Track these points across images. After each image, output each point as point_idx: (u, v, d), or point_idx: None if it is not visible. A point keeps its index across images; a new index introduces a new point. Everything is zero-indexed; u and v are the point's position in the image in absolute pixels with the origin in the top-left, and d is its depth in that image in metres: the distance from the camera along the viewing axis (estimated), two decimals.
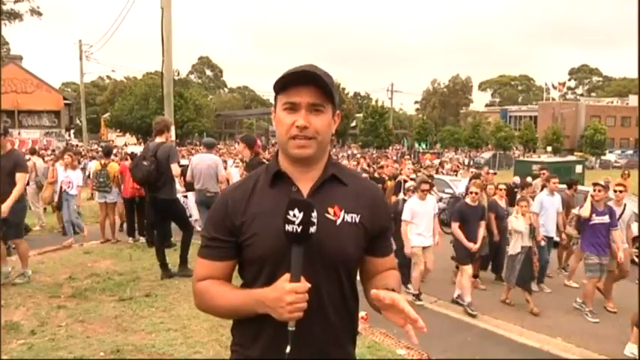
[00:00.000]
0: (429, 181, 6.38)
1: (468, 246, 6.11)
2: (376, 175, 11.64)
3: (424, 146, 47.51)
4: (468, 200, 6.41)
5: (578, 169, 20.43)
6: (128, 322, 4.65)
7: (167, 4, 9.27)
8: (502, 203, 7.36)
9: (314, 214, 1.25)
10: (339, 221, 1.36)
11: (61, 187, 8.62)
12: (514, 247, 6.23)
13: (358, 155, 30.94)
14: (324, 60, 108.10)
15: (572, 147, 48.62)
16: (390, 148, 45.29)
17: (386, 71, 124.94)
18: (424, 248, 6.33)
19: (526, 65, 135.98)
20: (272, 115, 1.46)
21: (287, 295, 1.23)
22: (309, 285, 1.25)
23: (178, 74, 53.43)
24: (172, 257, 6.42)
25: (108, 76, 67.23)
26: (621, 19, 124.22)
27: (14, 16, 37.10)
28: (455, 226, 6.25)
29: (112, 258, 7.27)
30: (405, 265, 6.55)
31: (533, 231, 6.29)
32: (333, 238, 1.34)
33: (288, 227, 1.24)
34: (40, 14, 37.95)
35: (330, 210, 1.36)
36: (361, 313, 5.32)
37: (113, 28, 33.34)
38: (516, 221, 6.21)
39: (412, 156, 35.24)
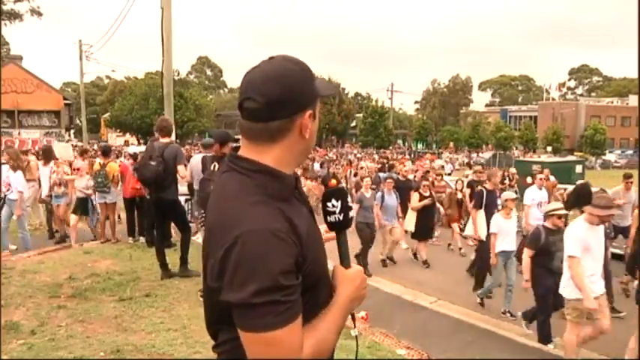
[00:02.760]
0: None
1: None
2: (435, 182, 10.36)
3: (421, 146, 47.58)
4: None
5: (578, 169, 20.44)
6: (128, 322, 4.65)
7: (167, 4, 9.26)
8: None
9: (349, 198, 1.31)
10: None
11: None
12: None
13: (357, 155, 30.60)
14: (324, 60, 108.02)
15: (572, 147, 48.66)
16: (390, 148, 45.33)
17: (386, 71, 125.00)
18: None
19: (526, 65, 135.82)
20: (308, 118, 1.19)
21: (363, 273, 1.27)
22: None
23: (178, 74, 53.41)
24: (172, 257, 6.42)
25: (108, 76, 67.32)
26: (621, 19, 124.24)
27: (14, 16, 37.05)
28: None
29: (112, 258, 7.26)
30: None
31: None
32: None
33: (330, 218, 1.27)
34: (40, 14, 37.88)
35: None
36: (361, 313, 5.36)
37: (113, 28, 33.26)
38: None
39: (412, 156, 35.31)
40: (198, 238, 7.45)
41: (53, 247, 8.01)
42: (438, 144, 52.11)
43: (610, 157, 46.01)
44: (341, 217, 1.27)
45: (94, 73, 72.68)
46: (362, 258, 7.73)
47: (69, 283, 5.88)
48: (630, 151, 49.33)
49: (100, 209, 8.73)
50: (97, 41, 39.61)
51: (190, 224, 7.04)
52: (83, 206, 8.59)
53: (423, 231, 8.60)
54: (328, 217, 1.28)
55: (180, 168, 5.90)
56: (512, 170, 15.20)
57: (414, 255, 8.74)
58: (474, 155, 42.18)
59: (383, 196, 8.30)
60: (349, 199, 1.31)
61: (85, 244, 8.42)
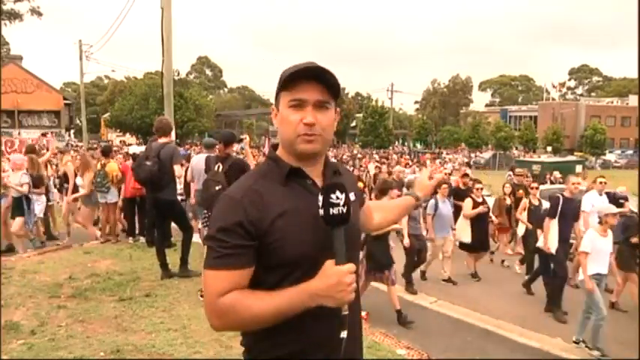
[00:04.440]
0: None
1: None
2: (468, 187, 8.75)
3: (419, 146, 47.59)
4: None
5: (578, 169, 20.44)
6: (128, 322, 4.65)
7: (167, 4, 9.26)
8: None
9: (350, 195, 1.31)
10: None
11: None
12: None
13: (359, 156, 30.53)
14: (324, 60, 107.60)
15: (572, 147, 48.64)
16: (394, 147, 45.29)
17: (386, 71, 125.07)
18: None
19: (526, 65, 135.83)
20: (272, 114, 1.45)
21: (346, 277, 1.25)
22: (354, 265, 1.29)
23: (178, 74, 53.41)
24: (172, 257, 6.42)
25: (107, 76, 67.31)
26: (621, 20, 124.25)
27: (14, 16, 37.06)
28: None
29: (112, 258, 7.26)
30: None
31: None
32: (353, 218, 1.39)
33: (333, 210, 1.27)
34: (40, 14, 37.88)
35: None
36: (361, 313, 5.35)
37: (113, 28, 33.30)
38: None
39: (412, 156, 35.31)
40: (198, 239, 7.45)
41: (53, 247, 8.00)
42: (437, 144, 52.05)
43: (610, 157, 46.00)
44: (344, 210, 1.27)
45: (94, 73, 72.82)
46: (406, 273, 6.84)
47: (69, 283, 5.88)
48: (630, 151, 49.33)
49: (102, 209, 8.73)
50: (97, 41, 39.68)
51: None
52: (19, 206, 7.46)
53: (480, 242, 7.62)
54: (331, 210, 1.26)
55: (176, 168, 5.89)
56: (557, 174, 14.09)
57: (474, 275, 7.76)
58: (474, 155, 42.15)
59: (436, 204, 7.20)
60: (351, 196, 1.31)
61: (85, 244, 8.42)
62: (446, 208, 7.35)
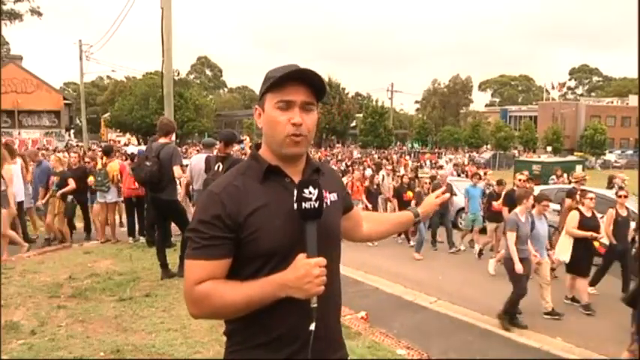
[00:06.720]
0: None
1: None
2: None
3: (417, 145, 47.62)
4: None
5: (578, 169, 20.42)
6: (128, 322, 4.65)
7: (167, 4, 9.27)
8: None
9: (323, 191, 1.37)
10: (329, 202, 1.49)
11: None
12: None
13: (357, 156, 30.42)
14: (325, 60, 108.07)
15: (572, 147, 48.66)
16: (390, 148, 45.26)
17: (386, 71, 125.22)
18: None
19: (526, 65, 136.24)
20: (255, 114, 1.49)
21: (314, 269, 1.30)
22: (324, 259, 1.33)
23: (178, 74, 53.41)
24: (172, 257, 6.41)
25: (108, 76, 67.40)
26: (621, 20, 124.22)
27: (14, 16, 37.09)
28: None
29: (112, 258, 7.26)
30: None
31: None
32: (329, 216, 1.45)
33: (306, 204, 1.33)
34: (40, 14, 37.96)
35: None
36: (361, 313, 5.35)
37: (113, 28, 33.31)
38: None
39: (412, 156, 35.35)
40: None
41: (53, 247, 8.00)
42: (437, 144, 52.04)
43: (610, 157, 46.01)
44: (316, 205, 1.33)
45: (94, 73, 72.90)
46: (511, 305, 5.71)
47: (69, 283, 5.88)
48: (630, 151, 49.33)
49: (101, 209, 8.73)
50: (97, 41, 39.67)
51: None
52: None
53: (582, 263, 6.40)
54: (303, 204, 1.32)
55: (175, 168, 5.88)
56: (624, 177, 11.87)
57: (573, 299, 6.58)
58: (475, 155, 42.16)
59: (533, 221, 6.13)
60: (324, 193, 1.40)
61: (85, 243, 8.42)
62: (543, 226, 6.28)
